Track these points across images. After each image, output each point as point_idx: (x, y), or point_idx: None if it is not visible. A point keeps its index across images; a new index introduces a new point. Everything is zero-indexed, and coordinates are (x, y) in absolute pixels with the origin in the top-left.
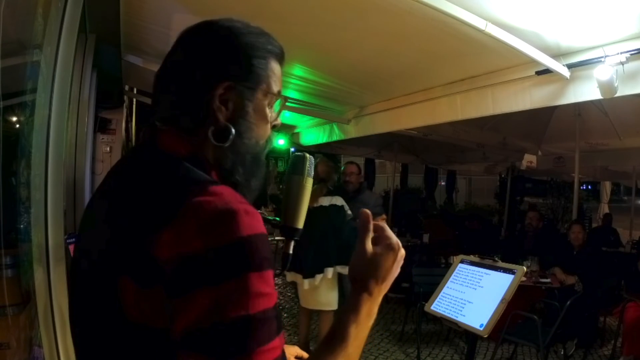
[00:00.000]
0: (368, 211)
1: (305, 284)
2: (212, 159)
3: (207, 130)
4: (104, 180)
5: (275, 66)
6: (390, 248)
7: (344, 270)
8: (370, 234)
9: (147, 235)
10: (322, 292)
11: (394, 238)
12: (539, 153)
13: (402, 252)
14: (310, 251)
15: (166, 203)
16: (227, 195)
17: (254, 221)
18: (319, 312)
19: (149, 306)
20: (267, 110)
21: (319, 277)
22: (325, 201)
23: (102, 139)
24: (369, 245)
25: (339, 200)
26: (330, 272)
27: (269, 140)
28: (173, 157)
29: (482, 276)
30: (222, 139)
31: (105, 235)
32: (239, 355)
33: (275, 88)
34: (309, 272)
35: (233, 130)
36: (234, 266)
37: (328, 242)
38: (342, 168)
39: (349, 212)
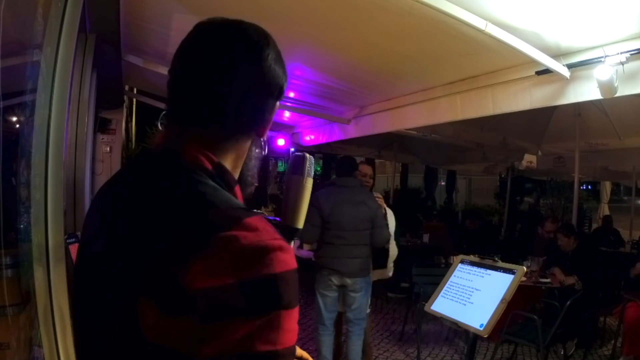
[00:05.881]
0: None
1: None
2: (231, 170)
3: (247, 139)
4: (113, 181)
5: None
6: None
7: None
8: None
9: (174, 263)
10: None
11: None
12: (539, 153)
13: None
14: None
15: (196, 232)
16: (261, 229)
17: (287, 257)
18: None
19: (171, 331)
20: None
21: None
22: None
23: (102, 139)
24: None
25: None
26: None
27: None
28: (199, 173)
29: (482, 276)
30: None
31: (126, 252)
32: None
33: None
34: None
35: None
36: (266, 302)
37: None
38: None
39: None
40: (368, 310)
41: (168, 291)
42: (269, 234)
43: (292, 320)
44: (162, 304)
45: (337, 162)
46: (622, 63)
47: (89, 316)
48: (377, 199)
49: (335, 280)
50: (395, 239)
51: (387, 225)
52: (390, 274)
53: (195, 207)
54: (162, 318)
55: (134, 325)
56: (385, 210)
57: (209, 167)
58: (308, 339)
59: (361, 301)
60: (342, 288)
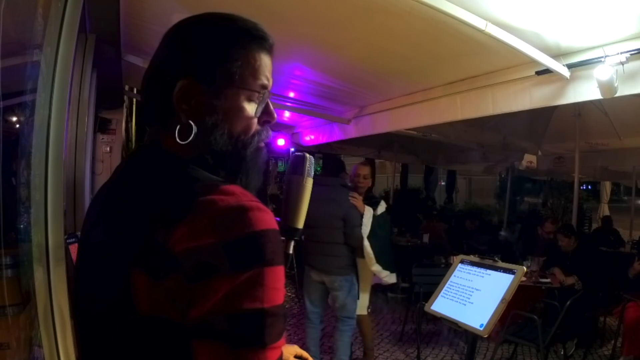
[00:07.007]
0: None
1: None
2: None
3: (174, 129)
4: (110, 179)
5: (256, 55)
6: None
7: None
8: None
9: (160, 230)
10: None
11: None
12: (539, 153)
13: None
14: None
15: (178, 200)
16: (238, 193)
17: (266, 217)
18: None
19: (160, 298)
20: (245, 105)
21: None
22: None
23: (102, 139)
24: None
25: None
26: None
27: (257, 134)
28: (179, 157)
29: (482, 276)
30: (184, 137)
31: (117, 231)
32: (254, 347)
33: (254, 81)
34: None
35: (195, 129)
36: (248, 259)
37: None
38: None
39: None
40: (368, 311)
41: (155, 257)
42: (246, 197)
43: (276, 278)
44: (152, 271)
45: (323, 160)
46: (622, 63)
47: (88, 304)
48: (351, 198)
49: (314, 276)
50: (373, 237)
51: (360, 225)
52: (388, 280)
53: (179, 182)
54: (153, 285)
55: (129, 301)
56: (362, 210)
57: (188, 153)
58: None
59: (344, 300)
60: (324, 285)
